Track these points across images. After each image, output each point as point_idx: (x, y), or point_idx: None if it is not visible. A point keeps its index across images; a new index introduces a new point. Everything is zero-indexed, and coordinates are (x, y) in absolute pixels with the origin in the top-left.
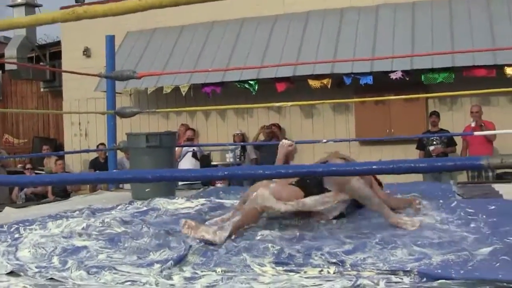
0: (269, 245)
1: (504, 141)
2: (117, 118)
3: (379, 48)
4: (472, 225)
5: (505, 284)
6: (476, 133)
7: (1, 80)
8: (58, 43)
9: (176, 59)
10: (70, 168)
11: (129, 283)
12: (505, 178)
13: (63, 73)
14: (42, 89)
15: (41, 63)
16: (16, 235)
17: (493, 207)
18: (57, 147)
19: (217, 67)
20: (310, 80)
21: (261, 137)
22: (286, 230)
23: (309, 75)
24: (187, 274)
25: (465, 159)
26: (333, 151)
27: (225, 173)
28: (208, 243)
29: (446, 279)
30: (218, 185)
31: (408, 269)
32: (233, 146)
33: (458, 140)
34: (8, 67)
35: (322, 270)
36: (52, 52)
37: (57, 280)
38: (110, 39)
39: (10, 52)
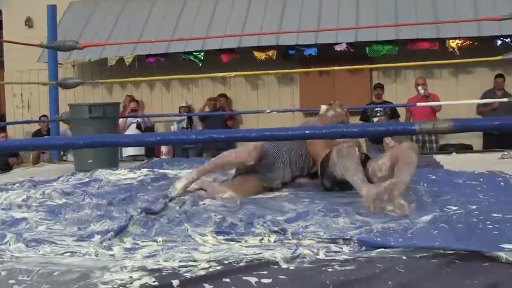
0: (212, 214)
1: (446, 113)
2: (60, 89)
3: (324, 20)
4: (416, 192)
5: (441, 251)
6: (418, 104)
7: None
8: None
9: (120, 30)
10: None
11: (68, 254)
12: (447, 150)
13: (4, 44)
14: None
15: None
16: None
17: (434, 176)
18: None
19: (161, 38)
20: (255, 52)
21: (207, 109)
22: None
23: (255, 46)
24: (127, 245)
25: (398, 124)
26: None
27: (157, 138)
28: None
29: (385, 247)
30: (163, 157)
31: (348, 237)
32: (179, 118)
33: (402, 112)
34: None
35: (262, 239)
36: None
37: None
38: (52, 9)
39: None
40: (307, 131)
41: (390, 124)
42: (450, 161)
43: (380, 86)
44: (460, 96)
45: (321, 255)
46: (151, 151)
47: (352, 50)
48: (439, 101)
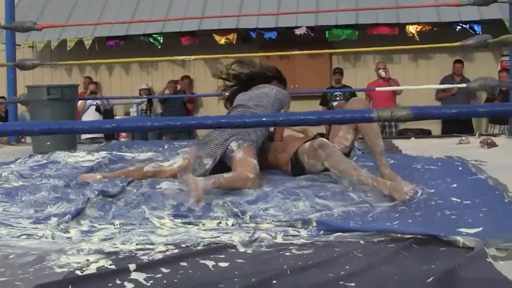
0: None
1: (406, 98)
2: (19, 71)
3: (284, 3)
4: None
5: (399, 235)
6: (378, 88)
7: None
8: None
9: (79, 11)
10: None
11: (24, 236)
12: (405, 135)
13: None
14: None
15: None
16: None
17: (392, 161)
18: None
19: (121, 20)
20: (215, 35)
21: (167, 92)
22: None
23: (215, 29)
24: (84, 228)
25: (355, 112)
26: None
27: (113, 125)
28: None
29: (344, 230)
30: (122, 139)
31: (308, 218)
32: (139, 100)
33: (361, 97)
34: None
35: (220, 223)
36: None
37: None
38: None
39: None
40: (263, 118)
41: (348, 111)
42: (409, 146)
43: (339, 72)
44: (419, 81)
45: (279, 239)
46: (110, 134)
47: (312, 34)
48: (399, 85)
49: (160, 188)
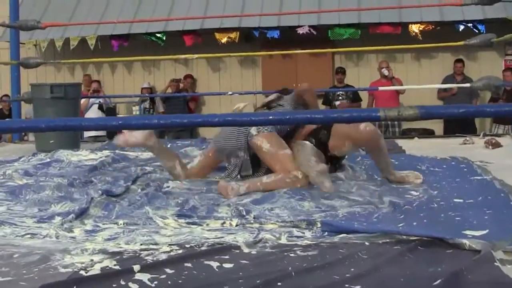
0: (175, 196)
1: (409, 97)
2: (23, 69)
3: (286, 2)
4: (378, 179)
5: (404, 237)
6: (381, 88)
7: None
8: None
9: (82, 10)
10: None
11: (29, 236)
12: (409, 134)
13: None
14: None
15: None
16: None
17: (396, 162)
18: None
19: (124, 19)
20: (217, 34)
21: (169, 91)
22: (194, 182)
23: (217, 28)
24: (88, 227)
25: (362, 111)
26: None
27: (119, 122)
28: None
29: (349, 231)
30: None
31: (313, 219)
32: (140, 99)
33: (364, 96)
34: None
35: (224, 223)
36: None
37: None
38: None
39: None
40: (270, 117)
41: (355, 111)
42: (412, 146)
43: (341, 71)
44: (422, 80)
45: (283, 240)
46: (113, 132)
47: (314, 33)
48: (402, 84)
49: (168, 187)
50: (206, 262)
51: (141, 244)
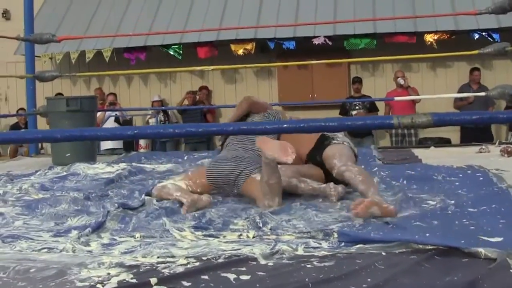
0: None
1: (425, 106)
2: (38, 83)
3: (302, 13)
4: (394, 189)
5: (420, 246)
6: (396, 98)
7: None
8: None
9: (98, 23)
10: None
11: (45, 250)
12: (425, 144)
13: None
14: None
15: None
16: None
17: (413, 172)
18: None
19: (139, 31)
20: (233, 45)
21: (186, 103)
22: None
23: (233, 39)
24: (105, 241)
25: (376, 118)
26: None
27: (134, 131)
28: None
29: (365, 240)
30: (141, 150)
31: (329, 229)
32: (153, 111)
33: (380, 106)
34: None
35: (241, 235)
36: None
37: None
38: (29, 1)
39: None
40: (284, 125)
41: (369, 118)
42: (428, 155)
43: (358, 81)
44: (438, 89)
45: (300, 251)
46: (129, 145)
47: (330, 44)
48: (418, 93)
49: None
50: (223, 274)
51: (158, 257)
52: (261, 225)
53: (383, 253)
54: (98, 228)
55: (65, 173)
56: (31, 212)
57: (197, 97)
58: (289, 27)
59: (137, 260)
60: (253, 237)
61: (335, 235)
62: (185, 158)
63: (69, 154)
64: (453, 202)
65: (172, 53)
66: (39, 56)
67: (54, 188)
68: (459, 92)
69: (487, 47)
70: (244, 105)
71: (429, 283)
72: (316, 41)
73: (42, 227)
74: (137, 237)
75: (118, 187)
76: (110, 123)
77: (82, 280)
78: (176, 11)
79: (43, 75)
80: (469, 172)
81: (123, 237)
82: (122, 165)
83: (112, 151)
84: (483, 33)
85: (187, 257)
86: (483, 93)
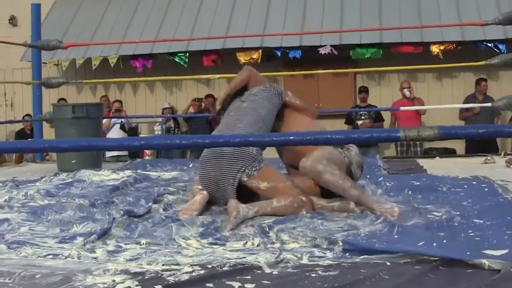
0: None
1: (431, 117)
2: (45, 89)
3: (308, 22)
4: (398, 199)
5: (425, 257)
6: (402, 108)
7: None
8: None
9: (104, 30)
10: None
11: (50, 256)
12: (430, 154)
13: None
14: None
15: None
16: None
17: (417, 183)
18: None
19: (145, 39)
20: (239, 54)
21: (191, 110)
22: (215, 203)
23: (239, 48)
24: (111, 248)
25: (382, 131)
26: None
27: (142, 142)
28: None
29: (369, 250)
30: (146, 157)
31: (334, 238)
32: (162, 119)
33: (386, 116)
34: None
35: (246, 243)
36: None
37: None
38: (36, 8)
39: None
40: (291, 137)
41: (375, 131)
42: (433, 166)
43: (365, 90)
44: (444, 99)
45: (305, 260)
46: (135, 152)
47: (336, 53)
48: (423, 104)
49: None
50: (228, 283)
51: (163, 265)
52: (267, 229)
53: (388, 263)
54: (103, 235)
55: (70, 180)
56: (37, 218)
57: (203, 104)
58: (296, 36)
59: (142, 268)
60: (258, 246)
61: (340, 243)
62: (191, 165)
63: (74, 161)
64: (458, 213)
65: (178, 60)
66: (45, 63)
67: (60, 194)
68: (464, 102)
69: (494, 58)
70: (244, 74)
71: None
72: (322, 51)
73: (48, 233)
74: (143, 244)
75: (124, 194)
76: (116, 130)
77: (87, 286)
78: (183, 19)
79: (50, 81)
80: (474, 183)
81: (129, 244)
82: (128, 172)
83: (117, 158)
84: (490, 44)
85: (192, 265)
86: (489, 104)
